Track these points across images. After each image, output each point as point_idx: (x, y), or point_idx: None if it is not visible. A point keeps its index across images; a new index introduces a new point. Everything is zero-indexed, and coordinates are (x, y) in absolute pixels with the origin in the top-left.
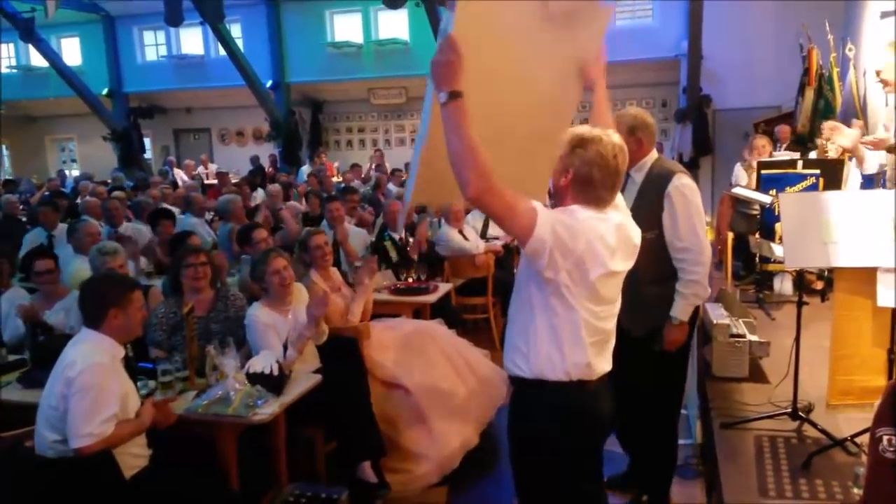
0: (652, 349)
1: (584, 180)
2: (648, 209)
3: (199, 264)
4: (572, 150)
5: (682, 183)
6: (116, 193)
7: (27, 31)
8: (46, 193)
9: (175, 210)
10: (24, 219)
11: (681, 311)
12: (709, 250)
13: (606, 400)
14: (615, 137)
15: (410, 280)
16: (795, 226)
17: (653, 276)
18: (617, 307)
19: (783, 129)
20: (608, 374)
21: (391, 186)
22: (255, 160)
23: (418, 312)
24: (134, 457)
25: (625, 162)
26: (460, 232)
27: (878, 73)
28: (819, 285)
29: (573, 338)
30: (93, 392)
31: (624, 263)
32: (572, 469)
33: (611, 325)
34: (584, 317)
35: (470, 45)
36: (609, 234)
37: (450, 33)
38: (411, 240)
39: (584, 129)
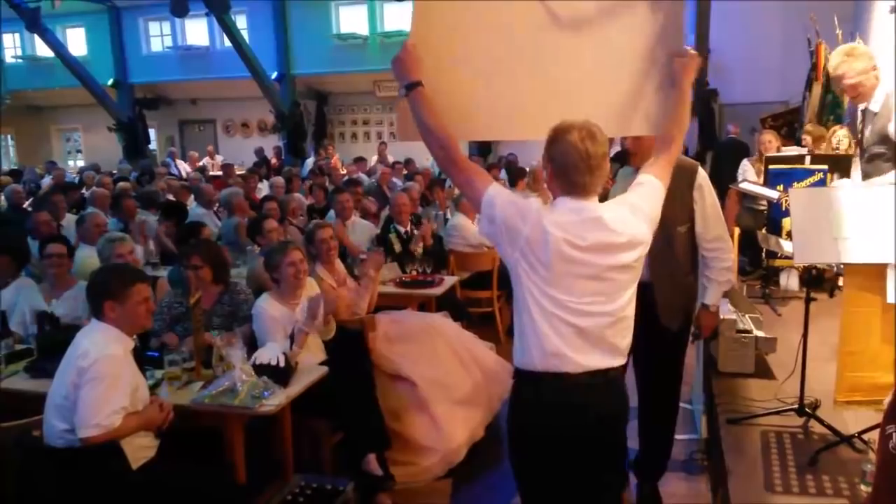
0: (682, 340)
1: (561, 170)
2: (681, 204)
3: (198, 267)
4: (549, 146)
5: (705, 175)
6: (122, 184)
7: (32, 21)
8: (52, 185)
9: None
10: (30, 209)
11: (715, 297)
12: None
13: (600, 395)
14: (590, 126)
15: (415, 273)
16: (805, 221)
17: (689, 267)
18: (609, 307)
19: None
20: (616, 370)
21: (395, 180)
22: (259, 152)
23: (424, 305)
24: (142, 448)
25: (596, 147)
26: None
27: (851, 85)
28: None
29: (538, 327)
30: (105, 382)
31: (602, 257)
32: (554, 462)
33: (592, 321)
34: (548, 306)
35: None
36: (577, 226)
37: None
38: (416, 233)
39: (557, 125)
